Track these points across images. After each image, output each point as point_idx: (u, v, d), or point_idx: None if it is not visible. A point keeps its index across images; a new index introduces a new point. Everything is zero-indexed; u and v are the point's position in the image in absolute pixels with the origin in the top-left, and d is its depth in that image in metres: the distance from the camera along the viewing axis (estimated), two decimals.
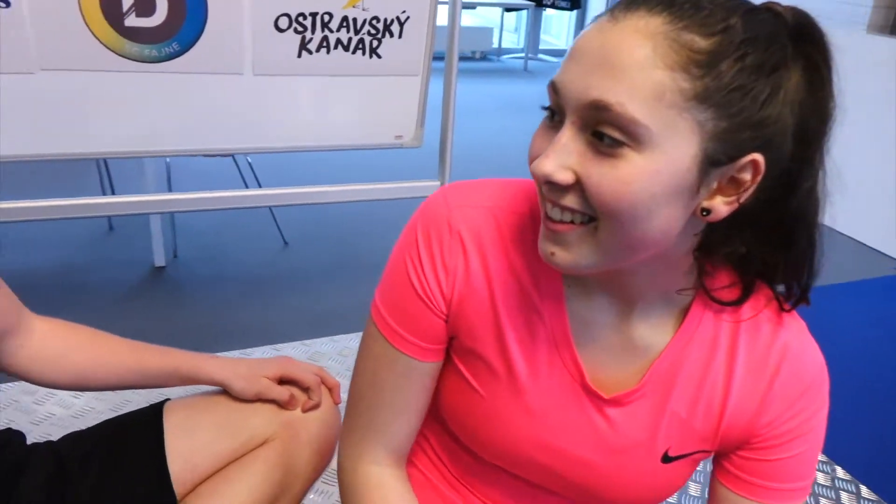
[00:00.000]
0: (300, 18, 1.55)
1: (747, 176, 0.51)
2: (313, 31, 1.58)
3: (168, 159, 2.79)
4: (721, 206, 0.52)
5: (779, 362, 0.62)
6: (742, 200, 0.52)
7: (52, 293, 2.58)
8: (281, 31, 1.55)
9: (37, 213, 1.68)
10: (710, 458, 0.69)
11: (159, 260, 2.75)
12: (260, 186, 2.89)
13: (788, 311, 0.62)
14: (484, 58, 7.08)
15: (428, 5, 1.64)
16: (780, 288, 0.62)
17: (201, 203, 1.90)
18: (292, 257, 2.88)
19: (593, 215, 0.52)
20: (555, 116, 0.53)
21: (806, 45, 0.51)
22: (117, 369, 0.91)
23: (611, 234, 0.52)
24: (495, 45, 6.94)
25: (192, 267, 2.79)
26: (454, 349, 0.68)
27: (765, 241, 0.56)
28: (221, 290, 2.60)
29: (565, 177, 0.51)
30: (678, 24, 0.47)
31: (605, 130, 0.49)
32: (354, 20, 1.60)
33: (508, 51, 7.22)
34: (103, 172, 2.99)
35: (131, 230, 2.96)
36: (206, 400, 0.94)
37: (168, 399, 0.94)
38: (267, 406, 0.92)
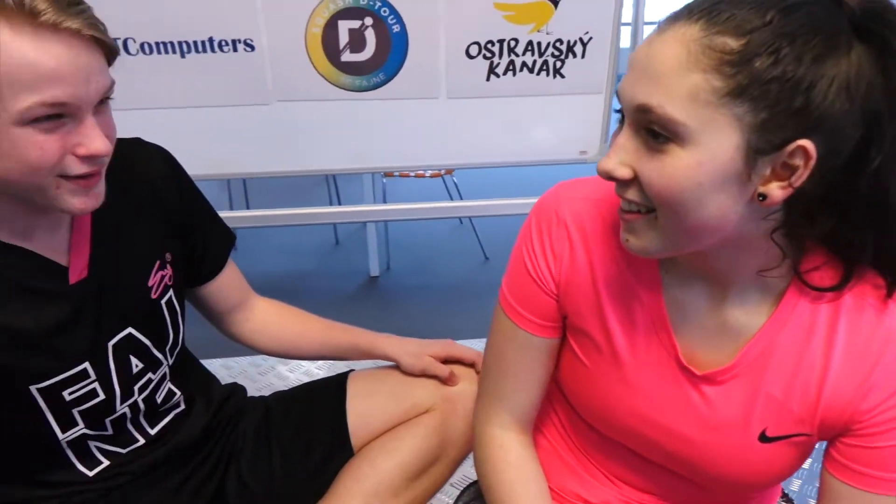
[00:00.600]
0: (489, 45, 1.70)
1: (799, 161, 0.53)
2: (500, 56, 1.71)
3: (384, 180, 3.11)
4: (776, 191, 0.54)
5: (882, 348, 0.61)
6: (796, 185, 0.54)
7: (285, 295, 2.99)
8: (471, 57, 1.71)
9: (277, 221, 2.00)
10: (816, 447, 0.68)
11: (374, 270, 3.06)
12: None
13: (890, 296, 0.61)
14: None
15: (610, 26, 1.70)
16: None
17: (409, 213, 2.12)
18: (491, 271, 3.05)
19: (651, 207, 0.57)
20: (623, 119, 0.59)
21: (878, 27, 0.52)
22: (312, 342, 1.11)
23: (668, 221, 0.57)
24: None
25: (401, 277, 3.07)
26: (568, 328, 0.76)
27: (846, 222, 0.56)
28: (425, 299, 2.83)
29: (624, 172, 0.58)
30: (712, 30, 0.52)
31: (652, 129, 0.54)
32: (539, 44, 1.70)
33: None
34: (332, 189, 3.42)
35: (353, 244, 3.34)
36: (381, 372, 1.09)
37: (352, 370, 1.11)
38: (430, 381, 1.05)
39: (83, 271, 0.80)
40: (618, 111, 0.60)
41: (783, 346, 0.64)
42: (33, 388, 0.78)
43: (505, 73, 1.74)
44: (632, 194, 0.59)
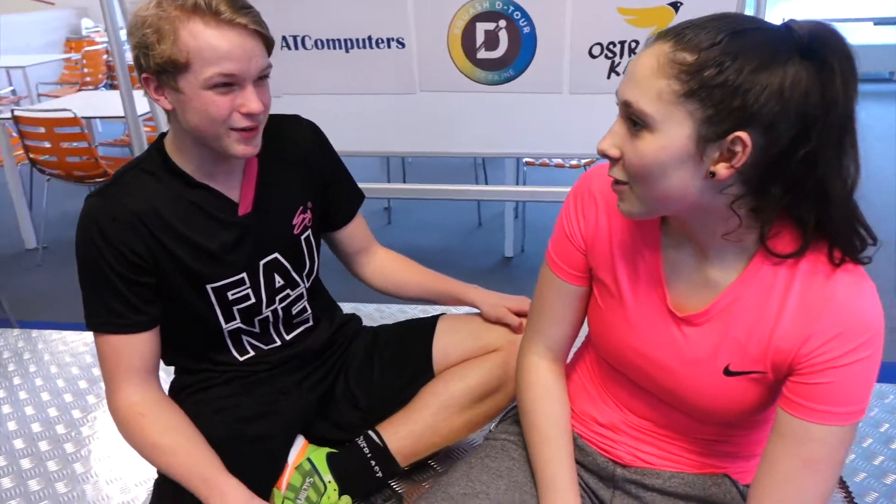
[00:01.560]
0: (610, 46, 1.85)
1: (738, 148, 0.69)
2: (621, 56, 1.87)
3: (525, 168, 3.32)
4: (722, 170, 0.71)
5: (822, 307, 0.74)
6: (737, 166, 0.70)
7: (428, 266, 3.33)
8: (594, 57, 1.88)
9: (426, 194, 2.30)
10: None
11: (509, 252, 3.30)
12: None
13: (839, 265, 0.75)
14: None
15: None
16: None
17: (543, 195, 2.31)
18: None
19: (629, 181, 0.76)
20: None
21: (821, 49, 0.67)
22: (416, 285, 1.37)
23: (641, 190, 0.76)
24: None
25: (534, 260, 3.28)
26: (593, 279, 0.95)
27: (792, 198, 0.72)
28: None
29: (614, 152, 0.76)
30: (677, 47, 0.70)
31: (633, 119, 0.73)
32: None
33: None
34: (479, 175, 3.69)
35: (493, 227, 3.59)
36: (465, 317, 1.33)
37: (444, 314, 1.36)
38: (503, 327, 1.27)
39: (248, 207, 1.12)
40: (618, 105, 0.79)
41: (747, 299, 0.80)
42: (209, 287, 1.10)
43: (625, 72, 1.88)
44: (616, 172, 0.78)
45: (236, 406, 1.17)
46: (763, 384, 0.82)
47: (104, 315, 1.05)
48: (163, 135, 1.11)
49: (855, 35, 1.79)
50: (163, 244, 1.05)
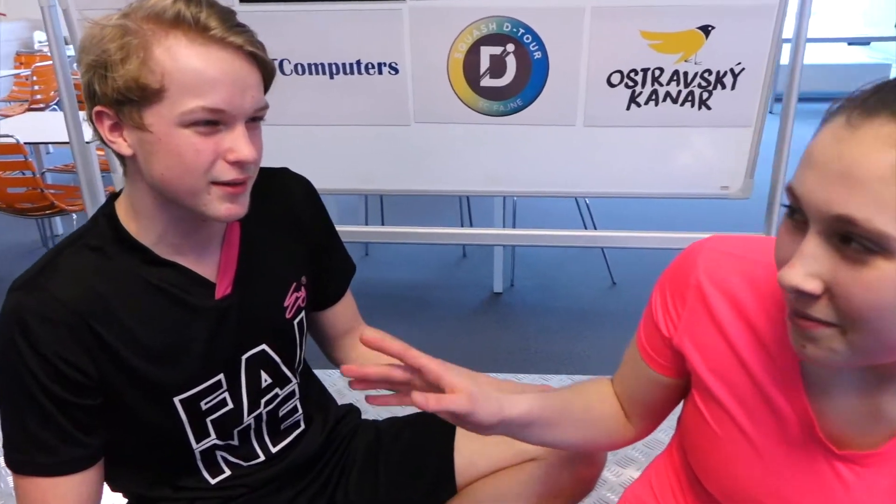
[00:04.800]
0: (632, 74, 1.64)
1: None
2: (643, 86, 1.66)
3: (515, 199, 3.10)
4: None
5: None
6: None
7: (410, 304, 3.06)
8: (612, 86, 1.66)
9: (408, 238, 2.06)
10: None
11: (498, 286, 3.06)
12: (595, 228, 3.03)
13: None
14: None
15: (766, 57, 1.59)
16: None
17: (538, 239, 2.11)
18: (618, 297, 2.96)
19: (841, 324, 0.51)
20: (795, 214, 0.53)
21: None
22: None
23: (861, 338, 0.51)
24: None
25: (524, 295, 3.05)
26: (698, 388, 0.72)
27: None
28: (547, 320, 2.79)
29: (813, 286, 0.51)
30: None
31: (852, 238, 0.48)
32: (685, 74, 1.63)
33: None
34: (463, 207, 3.46)
35: (479, 259, 3.36)
36: None
37: None
38: None
39: (228, 287, 0.87)
40: (785, 206, 0.54)
41: None
42: (176, 400, 0.84)
43: (647, 103, 1.68)
44: (820, 311, 0.52)
45: None
46: None
47: (28, 449, 0.78)
48: (114, 196, 0.84)
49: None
50: (112, 351, 0.78)
